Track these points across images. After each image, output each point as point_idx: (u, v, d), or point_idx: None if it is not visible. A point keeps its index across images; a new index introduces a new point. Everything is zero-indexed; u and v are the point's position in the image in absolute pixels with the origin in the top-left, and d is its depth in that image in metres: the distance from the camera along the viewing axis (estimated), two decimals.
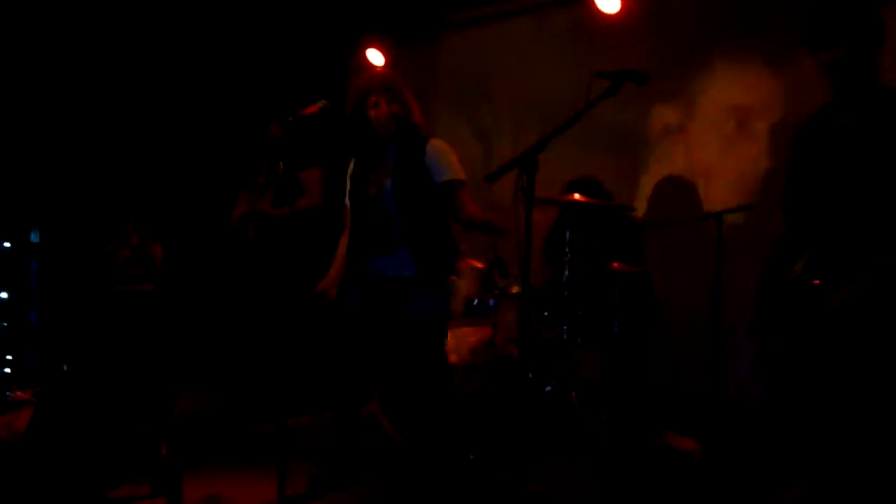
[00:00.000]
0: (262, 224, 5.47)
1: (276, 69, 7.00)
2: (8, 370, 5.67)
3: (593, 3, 5.65)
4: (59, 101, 6.39)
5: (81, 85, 6.47)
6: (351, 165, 3.98)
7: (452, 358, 4.76)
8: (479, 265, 5.31)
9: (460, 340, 4.89)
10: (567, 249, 4.64)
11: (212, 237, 6.39)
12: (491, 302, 5.04)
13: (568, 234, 4.65)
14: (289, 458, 3.79)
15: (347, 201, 4.00)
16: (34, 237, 6.48)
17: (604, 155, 5.90)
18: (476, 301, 5.24)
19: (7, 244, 6.23)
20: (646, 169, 5.92)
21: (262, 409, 5.27)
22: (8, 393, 5.26)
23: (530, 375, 4.64)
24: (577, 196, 4.60)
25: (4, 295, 6.17)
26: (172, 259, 6.36)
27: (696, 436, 4.75)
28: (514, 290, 4.98)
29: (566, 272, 4.61)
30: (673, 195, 5.77)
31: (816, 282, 2.98)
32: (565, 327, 4.60)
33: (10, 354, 5.76)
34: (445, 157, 3.82)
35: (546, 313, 4.75)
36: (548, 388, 4.64)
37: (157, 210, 6.39)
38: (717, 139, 5.56)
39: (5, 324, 5.97)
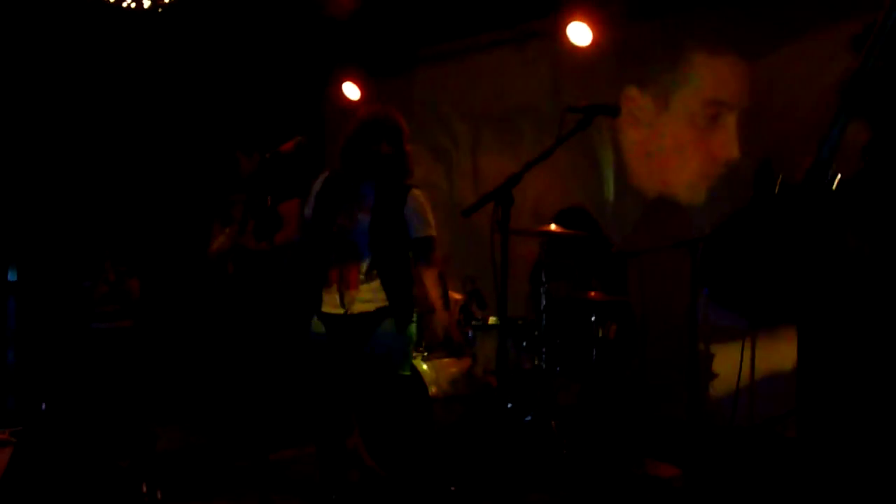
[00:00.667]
0: (241, 259, 5.48)
1: (252, 102, 7.05)
2: None
3: (566, 36, 5.75)
4: (33, 139, 6.39)
5: (55, 123, 6.48)
6: (319, 184, 3.90)
7: (432, 390, 4.77)
8: (458, 297, 5.35)
9: (440, 372, 4.91)
10: (544, 279, 4.69)
11: (189, 272, 6.39)
12: (470, 333, 5.08)
13: (545, 264, 4.71)
14: (270, 492, 3.79)
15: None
16: (11, 275, 6.45)
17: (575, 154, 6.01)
18: None
19: None
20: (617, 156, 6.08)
21: (242, 445, 5.26)
22: None
23: (510, 405, 4.66)
24: (552, 227, 4.66)
25: None
26: (150, 295, 6.35)
27: (675, 462, 4.77)
28: (493, 320, 5.01)
29: (543, 301, 4.66)
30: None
31: None
32: (544, 356, 4.64)
33: None
34: (423, 210, 3.85)
35: (525, 343, 4.78)
36: (527, 418, 4.67)
37: (134, 246, 6.39)
38: (691, 127, 5.72)
39: None
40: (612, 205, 6.05)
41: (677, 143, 5.79)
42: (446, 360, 5.04)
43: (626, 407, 5.06)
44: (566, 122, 3.03)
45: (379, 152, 3.74)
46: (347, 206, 3.78)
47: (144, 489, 3.98)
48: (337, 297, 3.73)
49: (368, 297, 3.72)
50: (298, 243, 3.82)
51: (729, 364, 5.35)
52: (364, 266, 3.74)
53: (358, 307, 3.72)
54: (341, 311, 3.73)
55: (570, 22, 5.70)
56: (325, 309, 3.77)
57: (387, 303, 3.73)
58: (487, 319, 5.05)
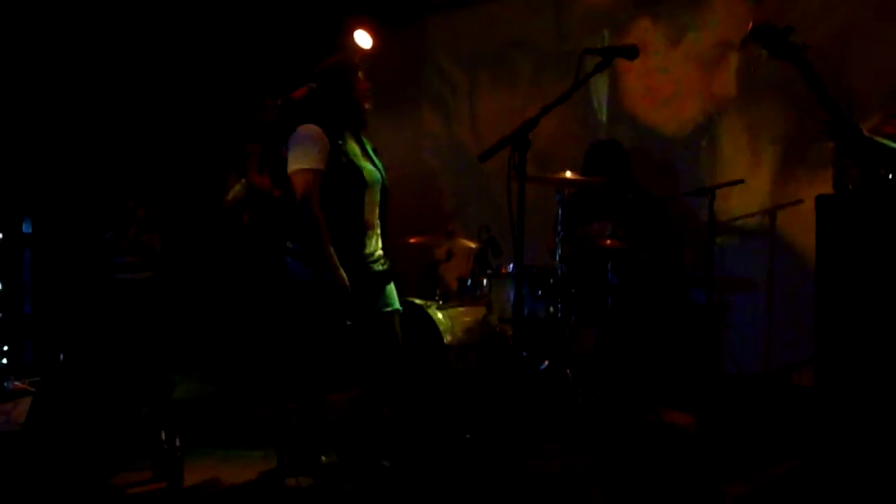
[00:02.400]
0: (257, 209, 5.45)
1: (266, 50, 6.99)
2: (5, 360, 5.66)
3: None
4: (50, 89, 6.36)
5: (71, 72, 6.44)
6: (321, 134, 3.64)
7: (447, 338, 4.78)
8: (472, 245, 5.32)
9: (454, 320, 4.90)
10: (559, 228, 4.65)
11: (207, 222, 6.39)
12: (485, 282, 5.06)
13: (560, 213, 4.67)
14: (288, 440, 3.82)
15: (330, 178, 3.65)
16: (26, 227, 6.46)
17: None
18: (469, 281, 5.26)
19: None
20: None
21: (260, 393, 5.29)
22: (6, 383, 5.27)
23: (525, 354, 4.65)
24: (568, 174, 4.61)
25: None
26: (171, 245, 6.36)
27: (690, 410, 4.78)
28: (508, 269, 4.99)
29: (559, 250, 4.63)
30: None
31: None
32: (559, 305, 4.62)
33: (6, 345, 5.75)
34: None
35: (540, 291, 4.76)
36: (542, 367, 4.67)
37: (154, 196, 6.39)
38: (696, 65, 5.70)
39: (0, 314, 5.95)
40: (605, 128, 6.06)
41: (678, 77, 5.76)
42: (461, 308, 5.03)
43: (642, 355, 5.04)
44: (583, 64, 2.97)
45: (370, 90, 3.73)
46: (363, 154, 3.75)
47: (163, 437, 4.00)
48: (372, 243, 3.72)
49: (382, 243, 3.80)
50: (311, 197, 3.53)
51: (745, 313, 5.36)
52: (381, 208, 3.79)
53: (383, 252, 3.78)
54: (378, 258, 3.74)
55: None
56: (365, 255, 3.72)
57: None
58: (502, 268, 5.02)
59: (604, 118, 6.12)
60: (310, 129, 3.59)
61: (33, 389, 4.97)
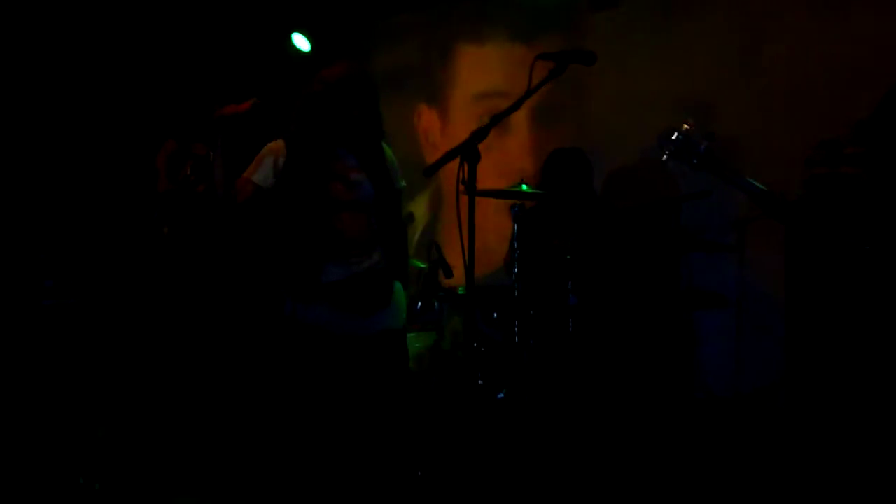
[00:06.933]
0: (177, 222, 5.25)
1: (209, 63, 6.79)
2: None
3: None
4: None
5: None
6: (280, 156, 3.51)
7: None
8: (421, 265, 5.09)
9: None
10: (515, 245, 4.42)
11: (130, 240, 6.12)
12: (436, 305, 4.84)
13: (516, 228, 4.44)
14: (210, 481, 3.53)
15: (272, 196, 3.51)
16: None
17: None
18: (420, 304, 5.01)
19: None
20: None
21: (174, 434, 4.98)
22: None
23: (480, 382, 4.41)
24: (524, 187, 4.41)
25: None
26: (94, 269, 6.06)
27: (657, 434, 4.53)
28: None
29: (515, 269, 4.39)
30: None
31: None
32: (517, 328, 4.39)
33: None
34: (396, 164, 3.71)
35: (495, 314, 4.51)
36: (500, 395, 4.44)
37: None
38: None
39: None
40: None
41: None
42: (410, 334, 4.80)
43: (605, 378, 4.80)
44: (536, 70, 2.76)
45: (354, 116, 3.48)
46: (335, 170, 3.52)
47: (80, 480, 3.85)
48: (349, 264, 3.49)
49: (377, 256, 3.54)
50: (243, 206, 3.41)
51: (715, 330, 5.14)
52: (371, 224, 3.55)
53: (370, 267, 3.52)
54: (349, 277, 3.49)
55: None
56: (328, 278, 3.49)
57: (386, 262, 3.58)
58: (455, 289, 4.79)
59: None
60: (270, 144, 3.47)
61: None
